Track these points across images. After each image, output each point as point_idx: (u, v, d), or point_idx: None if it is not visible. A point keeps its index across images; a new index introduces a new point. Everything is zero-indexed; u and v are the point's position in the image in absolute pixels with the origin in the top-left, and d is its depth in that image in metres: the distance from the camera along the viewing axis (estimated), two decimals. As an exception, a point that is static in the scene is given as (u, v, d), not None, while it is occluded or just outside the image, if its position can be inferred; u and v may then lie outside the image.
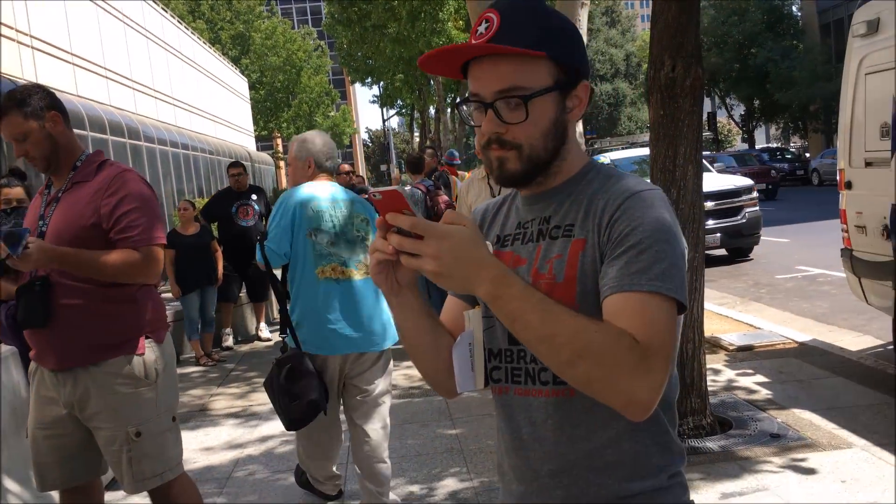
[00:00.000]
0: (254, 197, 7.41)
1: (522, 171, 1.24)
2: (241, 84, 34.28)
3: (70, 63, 15.13)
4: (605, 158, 13.42)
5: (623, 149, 16.44)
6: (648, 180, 1.26)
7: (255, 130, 37.27)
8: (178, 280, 6.92)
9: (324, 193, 3.35)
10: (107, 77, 16.96)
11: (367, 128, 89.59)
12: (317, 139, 3.46)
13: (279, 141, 45.63)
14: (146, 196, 2.58)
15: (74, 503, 2.68)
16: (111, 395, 2.52)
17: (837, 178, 6.23)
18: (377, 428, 3.38)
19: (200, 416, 5.50)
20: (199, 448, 4.83)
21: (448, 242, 1.04)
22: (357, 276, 3.28)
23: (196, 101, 24.46)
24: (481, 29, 1.21)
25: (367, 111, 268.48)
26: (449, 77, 1.33)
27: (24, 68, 13.07)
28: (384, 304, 3.29)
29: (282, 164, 46.19)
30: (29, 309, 2.45)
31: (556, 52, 1.21)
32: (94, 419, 2.55)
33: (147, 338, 2.60)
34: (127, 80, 18.19)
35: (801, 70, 33.51)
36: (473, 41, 1.21)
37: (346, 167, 7.82)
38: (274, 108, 41.51)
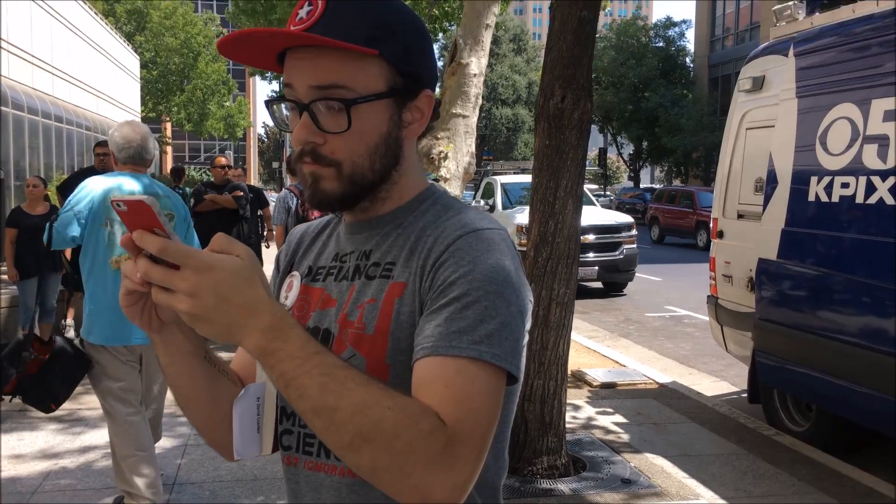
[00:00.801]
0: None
1: (341, 194, 1.01)
2: (133, 61, 32.58)
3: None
4: (495, 182, 13.45)
5: (515, 173, 16.57)
6: (494, 217, 1.04)
7: (142, 111, 35.46)
8: (17, 262, 6.28)
9: (126, 185, 3.41)
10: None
11: (263, 123, 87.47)
12: (117, 132, 3.49)
13: (168, 125, 43.74)
14: None
15: None
16: None
17: (710, 226, 6.37)
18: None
19: (19, 416, 4.94)
20: (9, 455, 4.31)
21: (209, 277, 0.80)
22: None
23: (79, 72, 22.97)
24: (302, 13, 0.98)
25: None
26: (262, 69, 1.09)
27: None
28: None
29: (168, 148, 44.30)
30: None
31: (392, 53, 0.99)
32: None
33: None
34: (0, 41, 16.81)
35: (688, 118, 35.15)
36: (292, 27, 0.98)
37: (223, 160, 7.37)
38: (166, 91, 39.73)
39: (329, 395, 0.81)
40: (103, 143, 7.18)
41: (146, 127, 3.59)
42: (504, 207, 12.57)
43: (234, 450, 1.02)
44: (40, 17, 19.60)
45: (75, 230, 3.24)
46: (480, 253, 0.95)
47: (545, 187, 4.19)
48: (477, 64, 8.18)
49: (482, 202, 13.26)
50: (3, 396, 3.36)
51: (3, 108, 15.51)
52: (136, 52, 34.52)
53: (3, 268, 6.84)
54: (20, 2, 17.99)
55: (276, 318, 0.83)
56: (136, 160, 3.47)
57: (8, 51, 17.29)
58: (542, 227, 4.22)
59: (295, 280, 1.13)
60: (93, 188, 3.34)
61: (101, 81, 26.06)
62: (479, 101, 8.32)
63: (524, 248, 4.39)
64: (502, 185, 13.29)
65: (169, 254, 0.79)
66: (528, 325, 0.98)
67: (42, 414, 5.00)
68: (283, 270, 1.19)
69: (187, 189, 8.65)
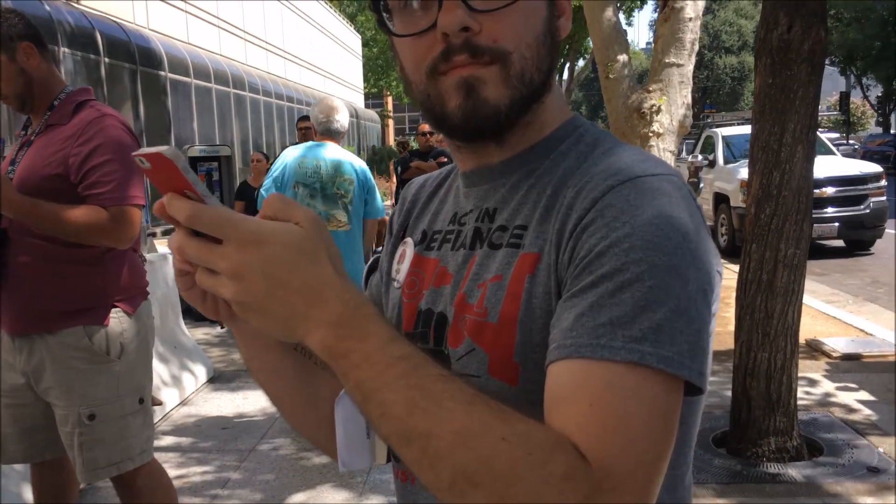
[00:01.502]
0: None
1: (510, 102, 0.77)
2: (355, 41, 34.36)
3: (183, 11, 15.34)
4: (716, 134, 12.45)
5: (739, 124, 15.26)
6: (666, 160, 0.76)
7: (364, 87, 37.38)
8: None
9: (315, 153, 3.93)
10: (219, 27, 17.16)
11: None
12: (316, 107, 4.05)
13: (389, 99, 45.68)
14: (125, 146, 2.22)
15: (43, 479, 2.44)
16: (66, 369, 2.22)
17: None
18: None
19: (245, 376, 5.31)
20: (234, 413, 4.64)
21: (257, 253, 0.60)
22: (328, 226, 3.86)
23: (307, 55, 24.60)
24: None
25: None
26: None
27: (136, 15, 13.30)
28: (353, 255, 3.85)
29: (390, 121, 46.41)
30: None
31: None
32: (48, 394, 2.26)
33: (115, 307, 2.27)
34: (239, 31, 18.38)
35: (954, 50, 30.49)
36: None
37: (426, 127, 7.41)
38: (385, 67, 41.48)
39: (420, 417, 0.60)
40: (305, 118, 7.51)
41: (335, 103, 4.09)
42: (726, 162, 11.60)
43: (339, 460, 0.86)
44: (271, 6, 21.14)
45: (271, 191, 3.50)
46: (642, 209, 0.69)
47: (768, 133, 3.67)
48: (693, 7, 7.48)
49: (700, 157, 12.34)
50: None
51: (243, 93, 16.98)
52: (357, 31, 36.33)
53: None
54: (253, -7, 19.46)
55: (347, 308, 0.62)
56: (325, 133, 4.01)
57: (247, 40, 18.87)
58: (764, 179, 3.71)
59: (408, 248, 0.93)
60: (286, 157, 3.95)
61: (327, 62, 27.77)
62: (696, 48, 7.61)
63: (745, 205, 3.91)
64: (724, 137, 12.24)
65: (203, 222, 0.61)
66: (714, 308, 0.72)
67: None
68: (395, 235, 0.99)
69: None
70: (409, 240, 0.94)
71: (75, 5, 11.14)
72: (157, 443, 3.73)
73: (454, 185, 0.93)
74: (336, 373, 0.63)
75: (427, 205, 0.96)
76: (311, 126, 7.15)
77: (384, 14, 0.81)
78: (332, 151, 3.96)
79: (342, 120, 3.99)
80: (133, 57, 11.88)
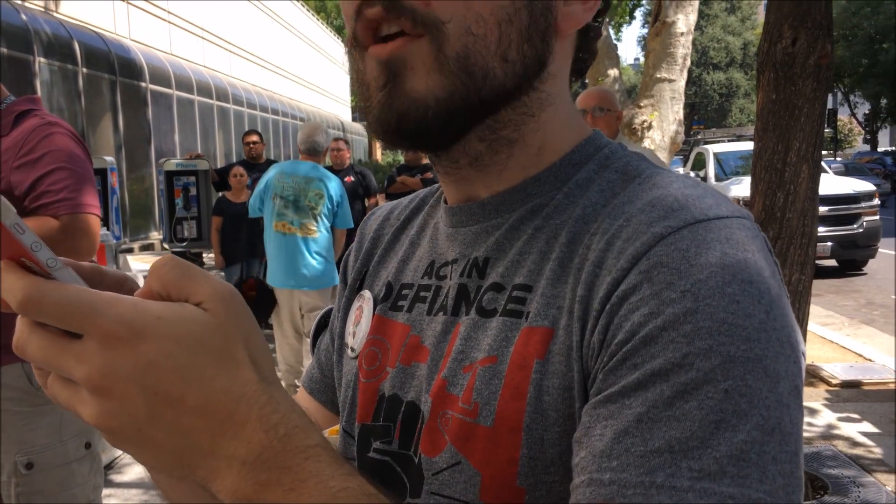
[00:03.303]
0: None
1: (440, 98, 0.55)
2: (341, 53, 34.26)
3: (166, 21, 15.13)
4: (707, 151, 12.32)
5: (730, 141, 15.16)
6: (729, 198, 0.52)
7: (351, 101, 37.23)
8: (223, 250, 6.50)
9: (292, 169, 4.55)
10: (203, 38, 16.94)
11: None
12: (301, 131, 4.70)
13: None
14: (72, 155, 2.00)
15: None
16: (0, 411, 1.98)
17: None
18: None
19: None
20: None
21: (131, 353, 0.39)
22: (299, 232, 4.43)
23: (293, 67, 24.42)
24: None
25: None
26: None
27: (118, 24, 13.06)
28: (314, 256, 4.44)
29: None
30: None
31: None
32: None
33: None
34: (223, 42, 18.16)
35: (939, 69, 30.73)
36: None
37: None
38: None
39: None
40: (251, 132, 7.41)
41: (316, 125, 4.70)
42: (718, 179, 11.47)
43: None
44: (256, 17, 20.98)
45: (257, 202, 4.53)
46: (708, 270, 0.47)
47: (771, 151, 3.46)
48: (684, 21, 7.35)
49: (692, 174, 12.20)
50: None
51: (227, 105, 16.74)
52: (344, 43, 36.28)
53: (210, 254, 7.17)
54: (240, 2, 19.29)
55: (274, 436, 0.40)
56: (307, 152, 4.59)
57: (231, 52, 18.67)
58: (767, 201, 3.49)
59: (366, 306, 0.70)
60: (270, 170, 4.63)
61: (313, 74, 27.63)
62: (688, 63, 7.50)
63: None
64: (715, 154, 12.12)
65: (45, 310, 0.39)
66: (801, 409, 0.49)
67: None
68: (349, 286, 0.75)
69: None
70: (367, 294, 0.70)
71: (54, 14, 10.88)
72: (108, 490, 3.46)
73: (431, 220, 0.69)
74: None
75: (392, 245, 0.72)
76: (257, 141, 7.11)
77: None
78: (308, 168, 4.55)
79: (320, 140, 4.60)
80: (113, 67, 11.63)
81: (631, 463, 0.44)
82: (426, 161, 7.17)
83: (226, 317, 0.41)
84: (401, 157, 10.34)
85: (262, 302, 4.83)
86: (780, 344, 0.46)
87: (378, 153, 39.18)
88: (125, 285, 0.45)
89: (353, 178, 6.83)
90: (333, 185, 4.52)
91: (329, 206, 4.47)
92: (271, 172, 4.56)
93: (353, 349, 0.69)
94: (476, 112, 0.56)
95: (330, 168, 7.24)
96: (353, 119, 38.39)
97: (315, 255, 4.44)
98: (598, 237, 0.53)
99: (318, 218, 4.44)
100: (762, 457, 0.43)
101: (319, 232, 4.45)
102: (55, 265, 0.40)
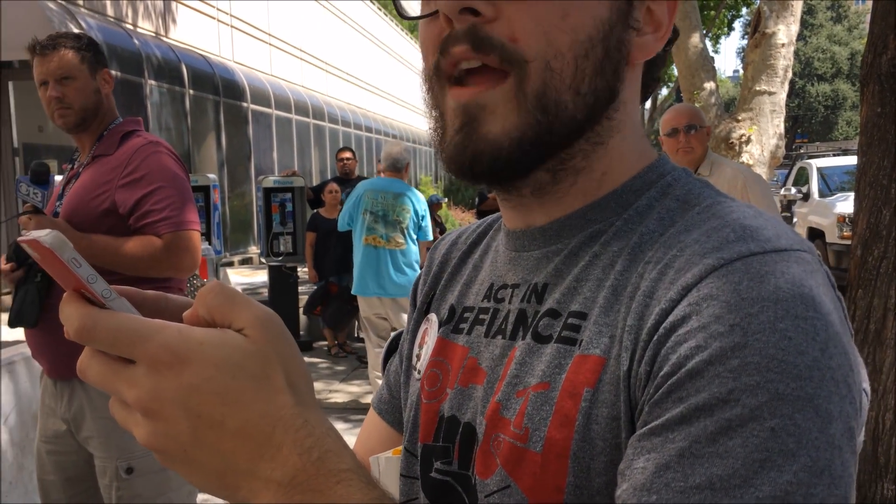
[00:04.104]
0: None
1: (520, 137, 0.56)
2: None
3: (267, 44, 15.73)
4: (810, 165, 11.82)
5: (835, 155, 14.49)
6: (800, 233, 0.51)
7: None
8: (316, 265, 6.68)
9: (380, 186, 4.91)
10: (301, 59, 17.53)
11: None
12: (385, 149, 5.06)
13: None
14: (174, 174, 2.13)
15: None
16: (104, 418, 2.09)
17: None
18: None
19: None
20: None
21: (175, 378, 0.42)
22: (388, 245, 4.79)
23: (386, 84, 24.94)
24: None
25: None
26: None
27: (222, 47, 13.69)
28: (401, 267, 4.80)
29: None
30: (23, 304, 2.07)
31: None
32: (88, 443, 2.14)
33: None
34: (320, 62, 18.74)
35: None
36: None
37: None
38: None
39: None
40: (345, 149, 7.54)
41: (398, 146, 5.00)
42: (822, 195, 10.97)
43: None
44: (353, 38, 21.56)
45: (346, 217, 4.93)
46: (760, 304, 0.46)
47: (877, 167, 3.30)
48: (785, 32, 7.10)
49: (793, 189, 11.73)
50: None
51: (322, 123, 17.24)
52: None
53: (304, 268, 7.39)
54: (336, 22, 19.89)
55: (308, 459, 0.42)
56: (390, 169, 4.93)
57: (328, 71, 19.25)
58: (872, 218, 3.33)
59: (431, 328, 0.72)
60: (359, 187, 4.99)
61: (406, 92, 28.10)
62: (789, 75, 7.25)
63: (848, 243, 3.55)
64: (819, 168, 11.61)
65: (98, 337, 0.42)
66: (859, 441, 0.47)
67: (335, 409, 5.62)
68: (418, 309, 0.77)
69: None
70: (432, 317, 0.72)
71: (163, 39, 11.51)
72: (202, 497, 3.60)
73: (493, 244, 0.71)
74: None
75: (458, 270, 0.74)
76: (350, 158, 7.27)
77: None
78: (394, 184, 4.89)
79: (400, 157, 4.93)
80: (217, 89, 12.18)
81: (670, 498, 0.44)
82: None
83: (265, 342, 0.43)
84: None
85: (340, 305, 5.49)
86: (836, 383, 0.45)
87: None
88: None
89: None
90: (418, 201, 4.90)
91: (414, 220, 4.85)
92: (360, 189, 4.92)
93: (418, 370, 0.71)
94: (549, 147, 0.57)
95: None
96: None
97: (402, 266, 4.80)
98: (651, 266, 0.54)
99: (405, 231, 4.80)
100: (809, 500, 0.42)
101: (406, 244, 4.82)
102: (109, 296, 0.44)
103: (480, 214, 7.18)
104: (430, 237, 5.02)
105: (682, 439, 0.45)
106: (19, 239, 0.44)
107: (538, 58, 0.55)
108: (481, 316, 0.66)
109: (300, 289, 7.31)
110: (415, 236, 4.88)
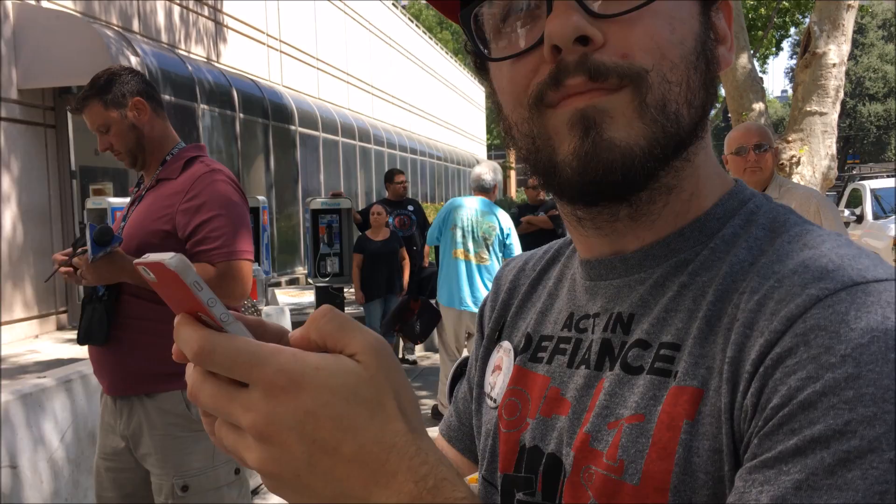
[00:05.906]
0: (410, 207, 7.28)
1: (647, 143, 0.55)
2: (479, 93, 34.94)
3: (315, 68, 16.02)
4: (864, 187, 11.55)
5: (888, 176, 14.15)
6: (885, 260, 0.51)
7: (487, 139, 37.78)
8: (363, 286, 6.73)
9: (469, 204, 5.22)
10: (348, 82, 17.80)
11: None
12: (474, 170, 5.35)
13: (512, 151, 45.91)
14: (232, 202, 2.17)
15: None
16: (162, 436, 2.14)
17: None
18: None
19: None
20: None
21: (291, 403, 0.42)
22: (474, 260, 5.06)
23: (431, 107, 25.14)
24: None
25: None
26: None
27: (272, 71, 13.98)
28: (484, 282, 5.06)
29: (511, 172, 46.69)
30: (90, 322, 2.14)
31: None
32: (146, 460, 2.18)
33: None
34: (367, 86, 19.01)
35: None
36: None
37: (535, 181, 7.28)
38: (509, 118, 41.86)
39: None
40: (396, 172, 7.62)
41: (486, 166, 5.32)
42: (875, 217, 10.72)
43: None
44: (399, 62, 21.82)
45: (436, 232, 5.25)
46: (869, 335, 0.46)
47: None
48: (836, 52, 6.99)
49: (846, 212, 11.47)
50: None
51: (368, 146, 17.45)
52: (481, 84, 36.94)
53: (351, 289, 7.45)
54: (383, 47, 20.17)
55: (423, 487, 0.42)
56: (477, 189, 5.26)
57: (374, 94, 19.50)
58: (933, 242, 3.25)
59: (505, 356, 0.71)
60: (448, 204, 5.33)
61: (451, 114, 28.30)
62: (840, 95, 7.11)
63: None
64: (873, 190, 11.35)
65: (216, 360, 0.43)
66: None
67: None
68: (487, 336, 0.76)
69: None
70: (506, 344, 0.72)
71: (215, 64, 11.80)
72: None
73: (568, 272, 0.70)
74: None
75: (529, 296, 0.74)
76: (405, 181, 7.38)
77: (478, 42, 0.61)
78: (481, 203, 5.20)
79: (487, 178, 5.21)
80: (266, 112, 12.44)
81: None
82: (542, 197, 7.14)
83: (377, 369, 0.43)
84: (523, 196, 10.41)
85: (427, 319, 5.75)
86: None
87: (513, 189, 39.42)
88: (284, 338, 0.47)
89: (558, 211, 6.99)
90: (503, 219, 5.18)
91: (500, 238, 5.13)
92: (449, 206, 5.31)
93: (493, 399, 0.71)
94: (670, 158, 0.57)
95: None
96: (489, 157, 38.92)
97: (486, 281, 5.07)
98: (746, 296, 0.53)
99: (490, 248, 5.09)
100: None
101: (491, 260, 5.09)
102: (228, 319, 0.44)
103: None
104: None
105: (797, 471, 0.44)
106: (137, 260, 0.45)
107: (655, 69, 0.55)
108: (562, 345, 0.66)
109: (347, 309, 7.38)
110: (500, 254, 5.11)
